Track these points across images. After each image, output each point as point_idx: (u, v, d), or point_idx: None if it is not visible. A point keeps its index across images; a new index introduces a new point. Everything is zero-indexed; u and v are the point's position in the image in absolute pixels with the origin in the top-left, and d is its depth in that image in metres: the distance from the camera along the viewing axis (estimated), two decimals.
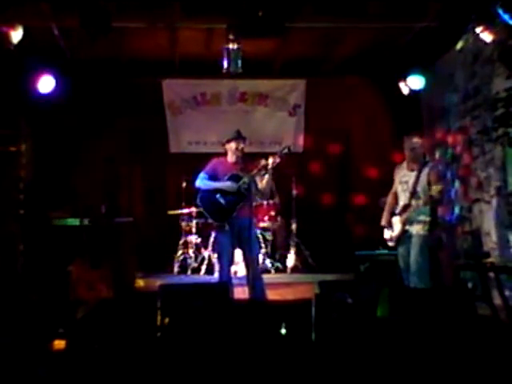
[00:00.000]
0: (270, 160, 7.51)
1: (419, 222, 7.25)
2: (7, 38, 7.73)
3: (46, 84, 9.51)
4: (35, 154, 10.33)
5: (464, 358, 4.42)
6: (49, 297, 7.34)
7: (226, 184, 7.61)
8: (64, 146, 10.79)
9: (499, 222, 8.16)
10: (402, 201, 7.43)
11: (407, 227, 7.30)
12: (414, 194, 7.27)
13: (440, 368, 4.32)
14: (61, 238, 9.10)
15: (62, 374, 4.49)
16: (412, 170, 7.41)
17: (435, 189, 7.01)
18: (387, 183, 7.89)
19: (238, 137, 7.78)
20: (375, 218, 7.94)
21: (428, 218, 7.26)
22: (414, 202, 7.24)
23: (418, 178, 7.29)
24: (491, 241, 8.32)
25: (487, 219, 8.46)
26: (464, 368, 4.32)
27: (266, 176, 7.60)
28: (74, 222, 9.19)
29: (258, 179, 7.68)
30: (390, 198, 7.74)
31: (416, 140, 7.50)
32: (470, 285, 7.83)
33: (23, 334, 5.36)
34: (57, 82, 9.59)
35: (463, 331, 4.79)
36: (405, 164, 7.57)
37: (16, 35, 7.75)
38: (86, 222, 9.05)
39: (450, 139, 9.69)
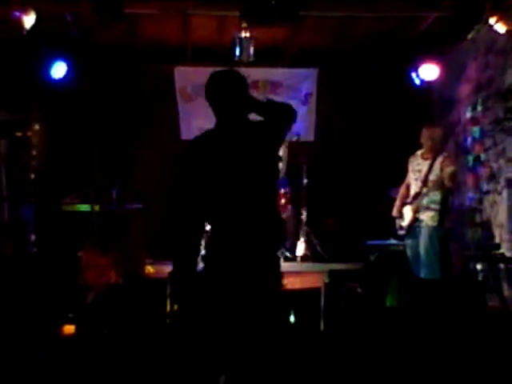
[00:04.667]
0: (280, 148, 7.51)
1: (430, 209, 7.24)
2: (20, 23, 7.72)
3: (58, 69, 9.52)
4: (47, 140, 10.35)
5: (473, 348, 4.41)
6: (59, 282, 7.36)
7: None
8: (76, 131, 10.79)
9: (510, 214, 8.12)
10: (414, 189, 7.43)
11: (418, 215, 7.29)
12: (425, 183, 7.27)
13: (448, 358, 4.32)
14: (71, 224, 9.12)
15: (71, 358, 4.51)
16: (426, 159, 7.41)
17: (448, 171, 7.01)
18: (397, 173, 7.88)
19: None
20: (385, 208, 7.94)
21: (439, 207, 7.25)
22: (425, 190, 7.24)
23: (431, 166, 7.30)
24: (502, 232, 8.29)
25: (498, 211, 8.43)
26: (473, 358, 4.32)
27: (279, 165, 7.59)
28: (84, 207, 9.20)
29: None
30: (402, 189, 7.74)
31: (437, 130, 7.52)
32: (480, 276, 7.83)
33: (34, 319, 5.38)
34: (69, 68, 9.60)
35: (473, 322, 4.79)
36: (419, 153, 7.57)
37: (29, 20, 7.74)
38: (96, 207, 9.06)
39: (461, 130, 9.67)
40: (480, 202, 8.94)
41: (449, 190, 7.42)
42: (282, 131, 4.52)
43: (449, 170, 7.08)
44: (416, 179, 7.43)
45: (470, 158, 9.17)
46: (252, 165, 4.12)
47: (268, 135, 4.31)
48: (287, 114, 4.65)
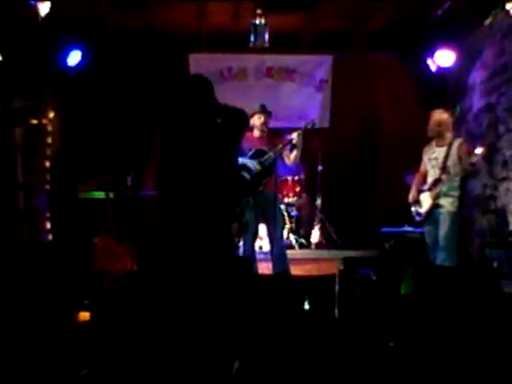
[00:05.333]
0: (294, 135, 7.50)
1: (450, 196, 7.22)
2: (35, 10, 7.74)
3: (73, 56, 9.54)
4: (62, 127, 10.36)
5: (488, 336, 4.40)
6: (74, 269, 7.39)
7: (250, 162, 7.59)
8: (91, 118, 10.80)
9: None
10: (432, 176, 7.41)
11: (438, 201, 7.27)
12: (444, 169, 7.25)
13: (464, 346, 4.31)
14: (86, 211, 9.15)
15: (86, 345, 4.53)
16: (441, 146, 7.38)
17: (467, 160, 7.00)
18: (414, 159, 7.85)
19: (263, 110, 7.76)
20: (401, 195, 7.92)
21: (458, 192, 7.24)
22: (444, 177, 7.22)
23: (448, 152, 7.27)
24: None
25: None
26: (488, 346, 4.31)
27: (295, 152, 7.59)
28: (99, 194, 9.23)
29: (285, 154, 7.67)
30: (417, 178, 7.71)
31: (443, 115, 7.48)
32: (495, 263, 7.80)
33: (49, 306, 5.40)
34: (84, 54, 9.62)
35: (488, 309, 4.77)
36: (433, 142, 7.54)
37: (44, 8, 7.76)
38: (111, 195, 9.08)
39: (472, 117, 9.63)
40: (494, 188, 8.90)
41: (469, 174, 7.40)
42: (235, 133, 5.40)
43: (469, 153, 7.06)
44: (433, 167, 7.41)
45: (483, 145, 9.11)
46: (208, 159, 4.89)
47: (223, 136, 5.19)
48: (240, 120, 5.57)
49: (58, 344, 4.58)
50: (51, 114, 9.90)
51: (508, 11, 7.58)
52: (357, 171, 11.34)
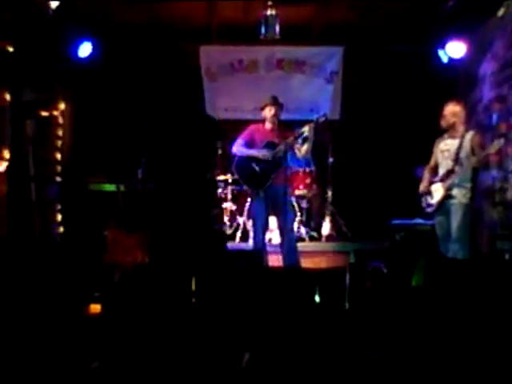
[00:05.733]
0: (306, 128, 7.48)
1: (462, 187, 7.20)
2: (46, 2, 7.75)
3: (84, 48, 9.56)
4: (73, 119, 10.38)
5: (501, 328, 4.39)
6: (85, 261, 7.41)
7: (261, 152, 7.59)
8: (102, 110, 10.82)
9: None
10: (444, 167, 7.38)
11: (450, 192, 7.25)
12: (457, 161, 7.23)
13: (475, 338, 4.31)
14: (97, 203, 9.17)
15: (97, 337, 4.54)
16: (454, 138, 7.36)
17: (481, 152, 6.99)
18: (425, 151, 7.83)
19: (274, 102, 7.76)
20: (412, 187, 7.90)
21: (470, 184, 7.22)
22: (457, 168, 7.20)
23: (461, 144, 7.25)
24: None
25: None
26: (500, 338, 4.30)
27: (306, 144, 7.57)
28: (110, 187, 9.25)
29: (296, 147, 7.66)
30: (428, 169, 7.69)
31: (456, 107, 7.46)
32: (506, 255, 7.78)
33: (60, 298, 5.42)
34: (95, 47, 9.63)
35: (499, 301, 4.76)
36: (446, 134, 7.52)
37: (54, 1, 7.77)
38: (122, 187, 9.09)
39: (482, 109, 9.59)
40: (505, 180, 8.87)
41: (481, 165, 7.38)
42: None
43: (482, 144, 7.06)
44: (445, 158, 7.39)
45: (494, 136, 9.06)
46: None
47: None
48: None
49: (69, 336, 4.60)
50: (62, 107, 9.91)
51: None
52: (367, 163, 11.33)
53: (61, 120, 9.89)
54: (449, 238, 7.21)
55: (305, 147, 7.61)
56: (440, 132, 7.64)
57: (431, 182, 7.52)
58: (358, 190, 11.17)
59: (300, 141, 7.64)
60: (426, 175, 7.67)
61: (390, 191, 10.81)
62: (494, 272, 5.53)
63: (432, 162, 7.65)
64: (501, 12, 8.11)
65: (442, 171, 7.42)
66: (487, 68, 9.49)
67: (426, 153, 7.80)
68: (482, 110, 9.62)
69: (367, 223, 10.37)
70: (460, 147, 7.24)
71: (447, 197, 7.28)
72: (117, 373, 4.16)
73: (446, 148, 7.42)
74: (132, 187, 9.19)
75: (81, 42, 9.54)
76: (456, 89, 10.59)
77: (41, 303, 5.18)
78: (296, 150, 7.70)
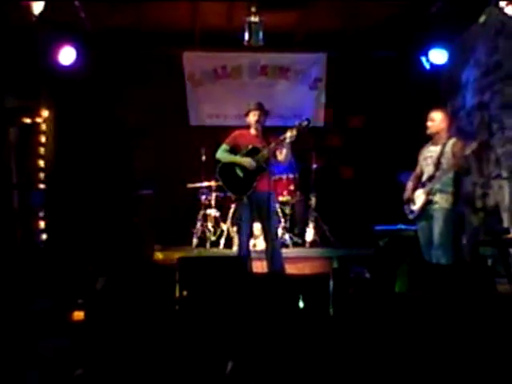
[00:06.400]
0: (288, 133, 7.48)
1: (444, 192, 7.21)
2: (29, 9, 7.73)
3: (67, 55, 9.53)
4: (56, 126, 10.35)
5: (482, 334, 4.41)
6: (68, 268, 7.39)
7: (245, 160, 7.58)
8: (85, 117, 10.80)
9: None
10: (427, 173, 7.41)
11: (431, 197, 7.26)
12: (438, 166, 7.24)
13: (458, 344, 4.32)
14: (82, 211, 9.16)
15: (80, 344, 4.53)
16: (436, 145, 7.38)
17: (461, 152, 7.00)
18: (409, 157, 7.85)
19: (258, 108, 7.75)
20: (395, 193, 7.92)
21: (452, 189, 7.22)
22: (438, 173, 7.22)
23: (442, 149, 7.27)
24: (510, 217, 8.27)
25: (506, 195, 8.41)
26: (482, 344, 4.32)
27: (285, 149, 7.56)
28: (94, 193, 9.24)
29: (277, 152, 7.65)
30: (412, 178, 7.71)
31: (440, 114, 7.48)
32: (489, 261, 7.81)
33: (43, 305, 5.40)
34: (78, 53, 9.61)
35: (482, 307, 4.78)
36: (429, 143, 7.55)
37: (37, 7, 7.75)
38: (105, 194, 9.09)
39: (464, 115, 9.65)
40: (485, 186, 8.92)
41: (462, 170, 7.39)
42: None
43: (462, 151, 7.06)
44: (428, 165, 7.41)
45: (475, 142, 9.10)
46: None
47: None
48: None
49: (52, 343, 4.58)
50: (45, 113, 9.89)
51: (501, 8, 7.59)
52: (351, 169, 11.37)
53: (44, 127, 9.87)
54: (432, 244, 7.22)
55: (284, 152, 7.60)
56: (424, 137, 7.66)
57: (414, 189, 7.54)
58: (341, 195, 11.20)
59: (281, 146, 7.61)
60: (411, 183, 7.69)
61: (374, 197, 10.85)
62: (477, 278, 5.55)
63: (417, 171, 7.67)
64: (482, 19, 8.16)
65: (424, 178, 7.45)
66: (469, 74, 9.54)
67: (409, 158, 7.82)
68: (464, 116, 9.68)
69: (351, 229, 10.40)
70: (441, 153, 7.26)
71: (429, 202, 7.28)
72: (100, 380, 4.15)
73: (429, 155, 7.45)
74: (115, 194, 9.18)
75: (64, 48, 9.50)
76: (439, 95, 10.65)
77: (24, 310, 5.16)
78: (277, 155, 7.69)
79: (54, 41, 9.42)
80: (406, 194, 7.64)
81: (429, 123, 7.46)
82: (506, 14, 7.64)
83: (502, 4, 7.52)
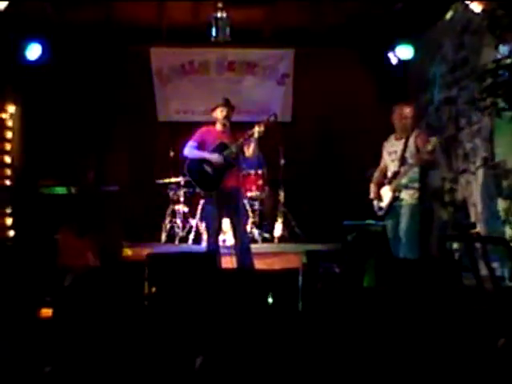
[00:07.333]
0: (256, 129, 7.48)
1: (409, 188, 7.24)
2: None
3: (33, 51, 9.46)
4: (23, 122, 10.27)
5: (449, 328, 4.45)
6: (36, 265, 7.34)
7: (212, 156, 7.56)
8: (52, 113, 10.72)
9: (485, 193, 8.17)
10: (392, 169, 7.43)
11: (397, 194, 7.29)
12: (403, 161, 7.28)
13: (425, 337, 4.36)
14: (49, 207, 9.08)
15: (48, 341, 4.50)
16: (400, 139, 7.41)
17: (425, 144, 7.02)
18: (374, 153, 7.89)
19: (225, 104, 7.74)
20: (363, 188, 7.95)
21: (418, 184, 7.26)
22: (403, 169, 7.25)
23: (405, 144, 7.30)
24: (477, 212, 8.34)
25: (473, 190, 8.47)
26: (449, 337, 4.36)
27: (252, 144, 7.56)
28: (61, 190, 9.17)
29: (245, 148, 7.65)
30: (377, 173, 7.74)
31: (406, 110, 7.51)
32: (456, 255, 7.88)
33: (11, 303, 5.37)
34: (44, 49, 9.54)
35: (449, 301, 4.82)
36: (392, 136, 7.58)
37: (2, 2, 7.68)
38: (73, 190, 9.02)
39: (433, 110, 9.71)
40: (454, 181, 8.99)
41: (428, 164, 7.42)
42: None
43: (426, 143, 7.08)
44: (393, 160, 7.44)
45: (443, 138, 9.15)
46: None
47: None
48: None
49: (20, 341, 4.56)
50: (11, 109, 9.81)
51: (467, 5, 7.65)
52: (319, 165, 11.40)
53: (10, 123, 9.79)
54: (399, 240, 7.26)
55: (252, 147, 7.59)
56: (388, 133, 7.71)
57: (381, 185, 7.57)
58: (309, 191, 11.23)
59: (249, 141, 7.61)
60: (375, 179, 7.72)
61: (342, 192, 10.89)
62: (444, 272, 5.60)
63: (382, 165, 7.71)
64: (448, 15, 8.23)
65: (389, 173, 7.48)
66: (437, 70, 9.61)
67: (376, 154, 7.86)
68: (432, 111, 9.74)
69: (319, 224, 10.42)
70: (405, 148, 7.29)
71: (395, 198, 7.32)
72: (69, 377, 4.13)
73: (392, 149, 7.48)
74: (84, 190, 9.12)
75: (30, 43, 9.42)
76: (406, 90, 10.71)
77: None
78: (245, 151, 7.68)
79: (20, 36, 9.34)
80: (373, 192, 7.67)
81: (395, 119, 7.51)
82: (471, 11, 7.70)
83: (468, 1, 7.57)
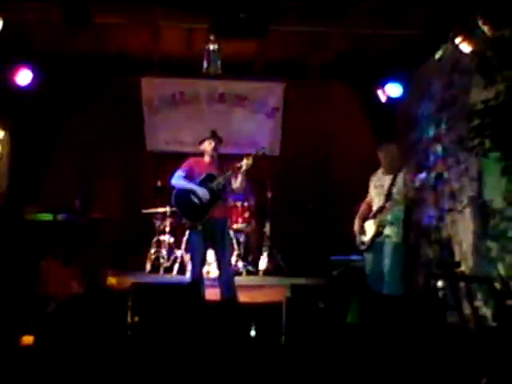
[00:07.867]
0: (244, 161, 7.49)
1: (394, 225, 7.23)
2: None
3: (23, 77, 9.46)
4: (11, 148, 10.25)
5: (432, 365, 4.44)
6: (19, 291, 7.29)
7: (200, 189, 7.54)
8: (41, 140, 10.72)
9: (472, 232, 8.18)
10: (377, 204, 7.43)
11: (381, 229, 7.28)
12: (389, 196, 7.27)
13: (408, 375, 4.35)
14: (34, 234, 9.05)
15: (29, 369, 4.47)
16: (388, 174, 7.42)
17: (415, 183, 7.02)
18: (365, 188, 7.90)
19: (212, 137, 7.76)
20: (350, 223, 7.95)
21: (402, 222, 7.23)
22: (388, 204, 7.25)
23: (393, 180, 7.31)
24: (462, 250, 8.35)
25: (459, 229, 8.49)
26: (431, 376, 4.35)
27: (240, 176, 7.56)
28: (47, 217, 9.14)
29: (232, 180, 7.65)
30: (363, 206, 7.73)
31: (392, 149, 7.53)
32: (440, 293, 7.87)
33: None
34: (35, 76, 9.54)
35: (432, 339, 4.82)
36: (380, 170, 7.59)
37: None
38: (59, 217, 9.00)
39: (422, 148, 9.75)
40: (441, 219, 9.00)
41: (413, 202, 7.41)
42: None
43: (414, 180, 7.10)
44: (379, 194, 7.44)
45: (432, 176, 9.18)
46: None
47: None
48: None
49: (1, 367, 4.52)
50: (0, 134, 9.80)
51: (457, 45, 7.72)
52: (306, 199, 11.40)
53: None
54: (381, 276, 7.23)
55: (240, 179, 7.60)
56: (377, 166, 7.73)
57: (365, 219, 7.57)
58: (296, 225, 11.23)
59: (236, 173, 7.62)
60: (360, 213, 7.71)
61: (329, 226, 10.89)
62: (428, 310, 5.59)
63: (368, 199, 7.70)
64: (438, 54, 8.30)
65: (374, 207, 7.48)
66: (425, 108, 9.66)
67: (365, 189, 7.87)
68: (421, 149, 9.77)
69: (305, 258, 10.42)
70: (392, 183, 7.30)
71: (379, 234, 7.32)
72: None
73: (379, 183, 7.48)
74: (70, 217, 9.10)
75: (21, 70, 9.43)
76: (395, 127, 10.76)
77: None
78: (232, 182, 7.69)
79: (12, 62, 9.35)
80: (357, 225, 7.66)
81: (382, 158, 7.52)
82: (461, 51, 7.77)
83: (458, 41, 7.64)
